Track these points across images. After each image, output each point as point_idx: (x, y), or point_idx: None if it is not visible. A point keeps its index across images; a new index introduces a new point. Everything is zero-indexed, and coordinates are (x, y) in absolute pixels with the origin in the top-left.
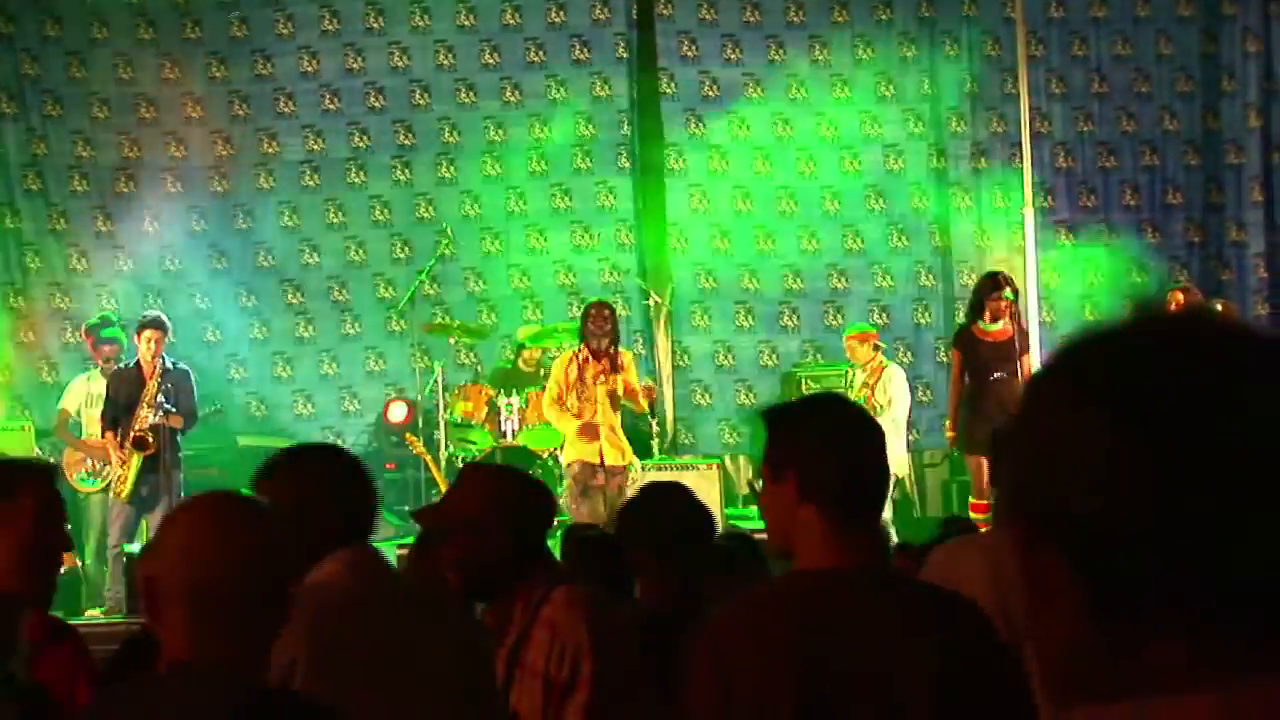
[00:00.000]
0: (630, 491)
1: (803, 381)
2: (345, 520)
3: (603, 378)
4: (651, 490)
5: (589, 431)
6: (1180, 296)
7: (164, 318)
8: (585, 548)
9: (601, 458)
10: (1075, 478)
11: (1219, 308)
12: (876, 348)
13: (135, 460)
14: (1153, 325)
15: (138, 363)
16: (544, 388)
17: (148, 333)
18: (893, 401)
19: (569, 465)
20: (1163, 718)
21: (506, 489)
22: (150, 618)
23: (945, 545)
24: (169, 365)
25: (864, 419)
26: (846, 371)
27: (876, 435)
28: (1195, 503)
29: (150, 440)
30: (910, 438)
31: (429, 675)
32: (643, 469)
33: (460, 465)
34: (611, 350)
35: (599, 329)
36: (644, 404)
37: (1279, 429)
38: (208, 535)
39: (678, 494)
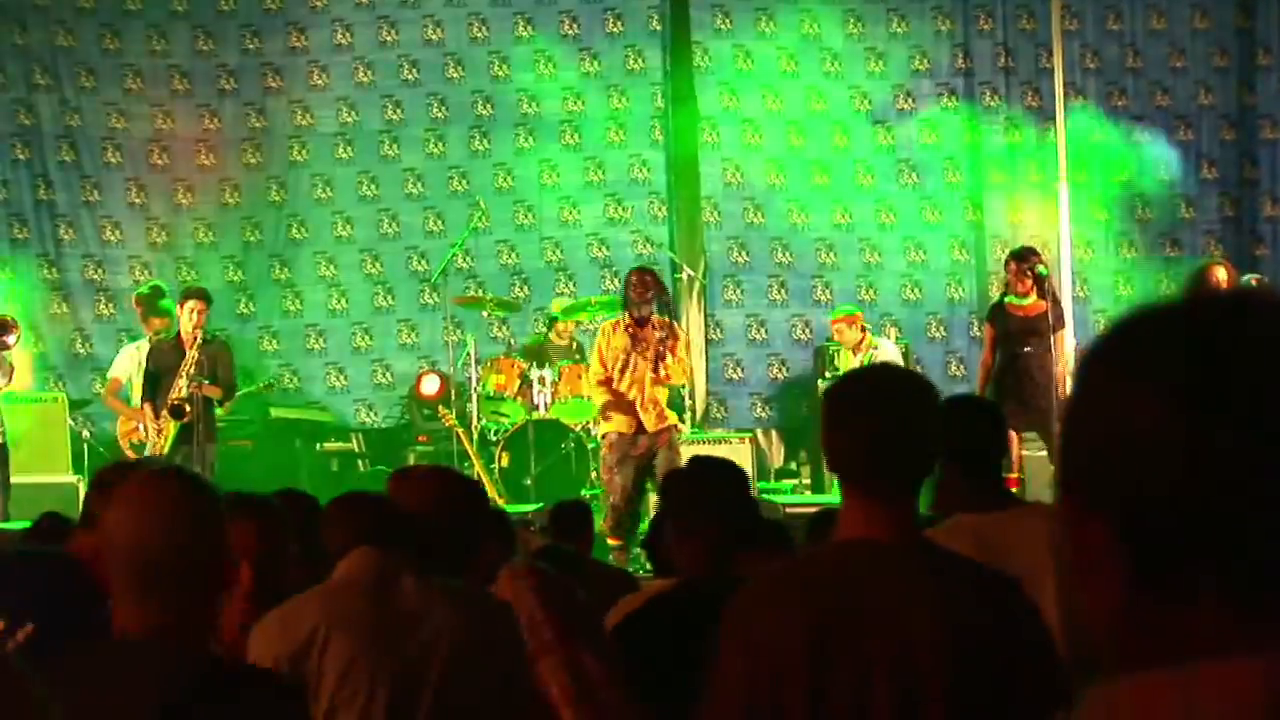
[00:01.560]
0: (681, 452)
1: (835, 354)
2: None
3: (653, 346)
4: (700, 463)
5: (625, 402)
6: (1220, 272)
7: (205, 290)
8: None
9: (639, 425)
10: (1129, 455)
11: (1253, 282)
12: (863, 329)
13: (171, 429)
14: (1205, 305)
15: (178, 334)
16: (575, 361)
17: (190, 303)
18: None
19: (604, 437)
20: (1210, 681)
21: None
22: (105, 586)
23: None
24: (208, 337)
25: (886, 391)
26: (834, 353)
27: (900, 407)
28: (1244, 477)
29: (186, 409)
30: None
31: (431, 651)
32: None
33: (492, 437)
34: (659, 321)
35: (641, 296)
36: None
37: None
38: (149, 510)
39: (726, 469)
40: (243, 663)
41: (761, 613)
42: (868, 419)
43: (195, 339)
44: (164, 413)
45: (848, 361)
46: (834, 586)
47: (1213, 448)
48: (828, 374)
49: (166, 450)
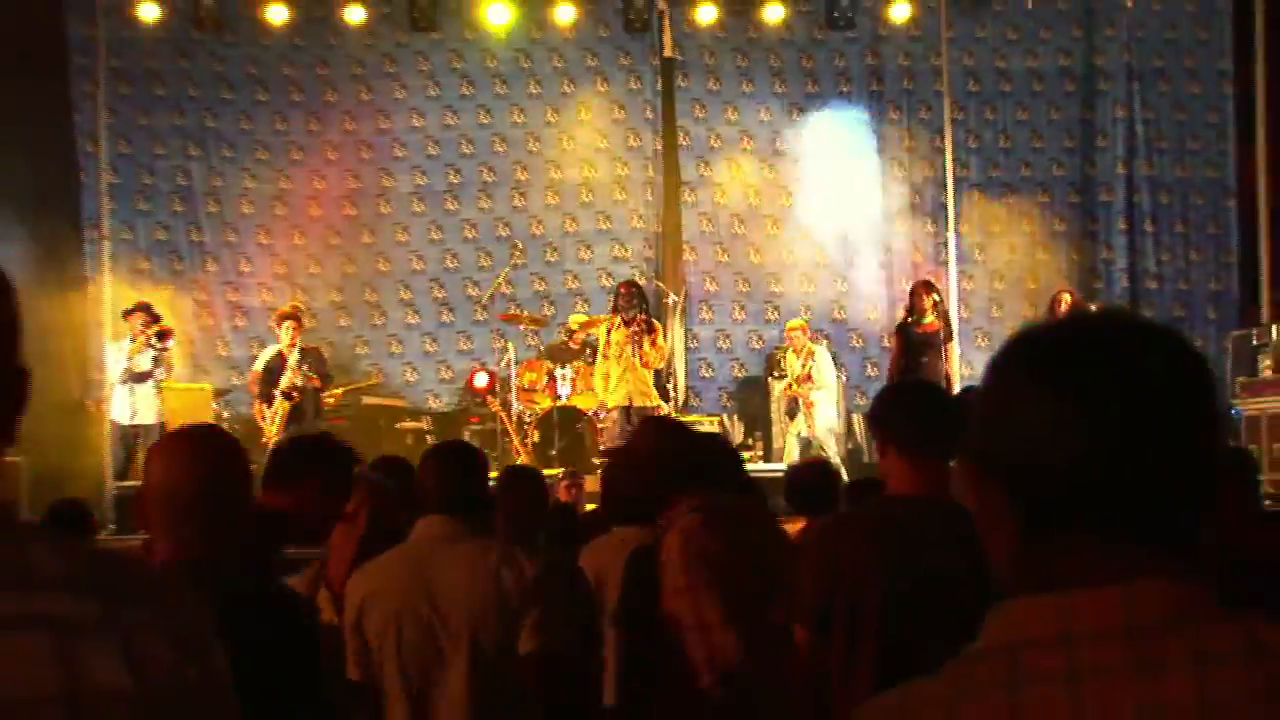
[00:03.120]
0: None
1: (780, 360)
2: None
3: (636, 336)
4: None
5: (622, 384)
6: (1067, 297)
7: (298, 309)
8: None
9: (630, 402)
10: (1016, 434)
11: (1093, 308)
12: (808, 337)
13: (283, 409)
14: (1072, 325)
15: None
16: (587, 363)
17: (288, 321)
18: (825, 377)
19: (610, 412)
20: (1081, 603)
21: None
22: (143, 525)
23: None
24: (304, 345)
25: (932, 392)
26: (781, 355)
27: (944, 403)
28: (1099, 451)
29: (295, 394)
30: (858, 403)
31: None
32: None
33: (526, 419)
34: (640, 318)
35: (627, 302)
36: (654, 365)
37: (1168, 398)
38: (178, 457)
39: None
40: (266, 587)
41: (841, 543)
42: (911, 406)
43: (295, 343)
44: (278, 397)
45: (792, 360)
46: (893, 528)
47: (1073, 428)
48: (775, 374)
49: (276, 426)
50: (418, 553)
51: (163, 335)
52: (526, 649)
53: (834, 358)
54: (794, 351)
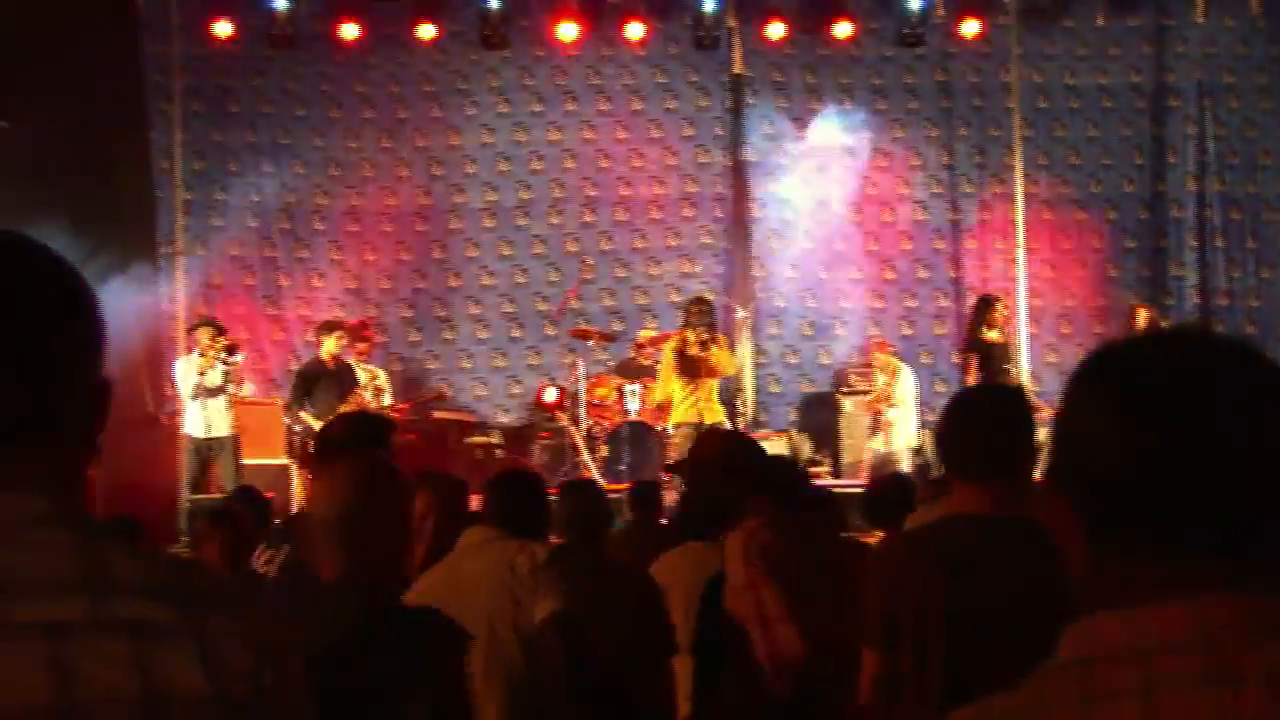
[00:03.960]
0: None
1: (848, 377)
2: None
3: (700, 349)
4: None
5: (693, 399)
6: (1144, 312)
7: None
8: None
9: (701, 418)
10: (1083, 452)
11: (1162, 324)
12: (891, 354)
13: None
14: (1141, 344)
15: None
16: (655, 377)
17: (338, 333)
18: (906, 393)
19: (677, 427)
20: (1150, 619)
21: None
22: (305, 548)
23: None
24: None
25: (1000, 409)
26: (854, 371)
27: (1012, 420)
28: (1165, 469)
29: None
30: (927, 419)
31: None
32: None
33: (595, 434)
34: (706, 335)
35: (697, 319)
36: (726, 372)
37: (1231, 419)
38: (342, 483)
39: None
40: (415, 606)
41: (908, 562)
42: (976, 424)
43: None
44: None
45: (876, 377)
46: (957, 546)
47: (1141, 444)
48: (844, 390)
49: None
50: (454, 555)
51: (231, 350)
52: (542, 615)
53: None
54: (878, 369)
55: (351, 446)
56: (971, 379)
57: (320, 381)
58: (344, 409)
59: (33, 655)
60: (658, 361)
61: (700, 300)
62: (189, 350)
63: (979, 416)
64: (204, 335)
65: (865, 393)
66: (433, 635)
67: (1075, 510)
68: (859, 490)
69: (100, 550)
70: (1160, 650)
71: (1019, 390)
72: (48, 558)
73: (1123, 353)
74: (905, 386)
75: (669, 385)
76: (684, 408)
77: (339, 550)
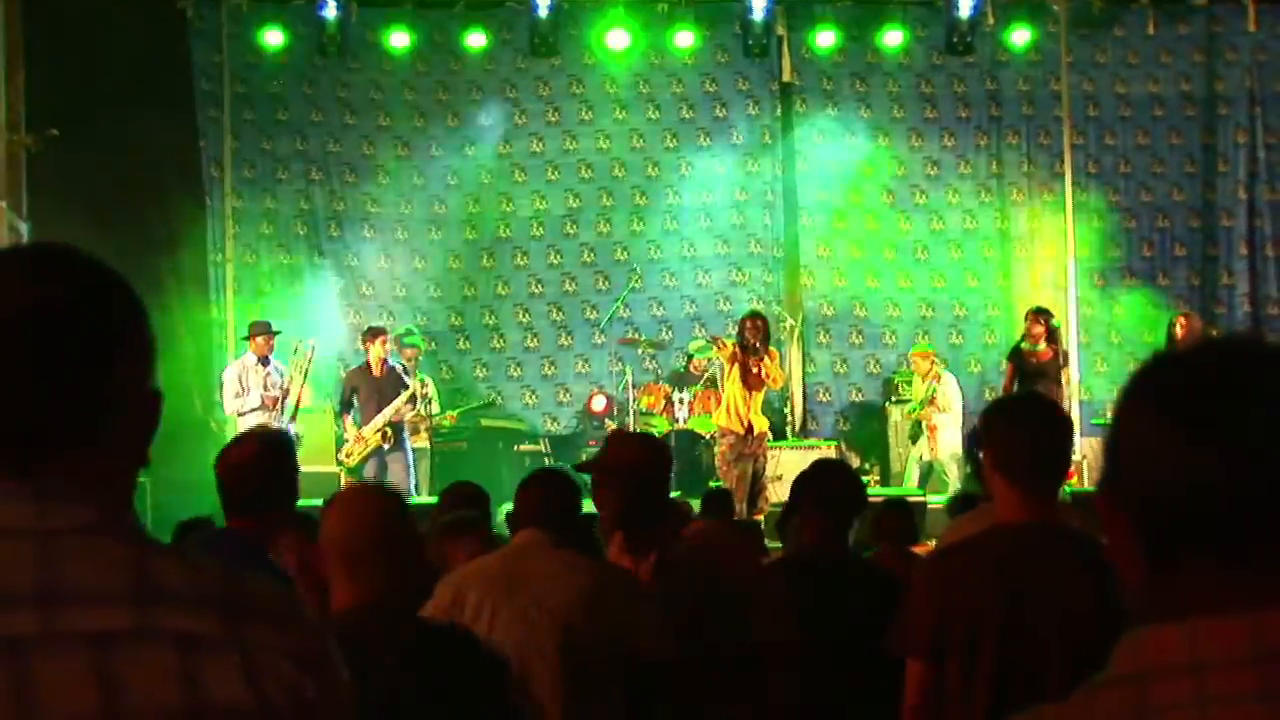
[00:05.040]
0: (770, 457)
1: (898, 386)
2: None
3: (757, 365)
4: (823, 463)
5: (741, 407)
6: (1183, 320)
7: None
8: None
9: (750, 426)
10: (1140, 467)
11: (1213, 333)
12: (933, 362)
13: (375, 441)
14: (1199, 356)
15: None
16: (705, 387)
17: (384, 337)
18: (950, 402)
19: (724, 435)
20: (1207, 633)
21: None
22: (325, 573)
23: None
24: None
25: (1046, 413)
26: (901, 380)
27: (1057, 424)
28: (1224, 485)
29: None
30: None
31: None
32: (778, 446)
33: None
34: (759, 347)
35: (754, 336)
36: (777, 386)
37: None
38: (353, 510)
39: (842, 468)
40: (445, 626)
41: (956, 573)
42: (1031, 432)
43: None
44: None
45: (916, 385)
46: (1010, 556)
47: (1197, 457)
48: (893, 399)
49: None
50: (513, 554)
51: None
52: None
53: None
54: (919, 376)
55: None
56: (1009, 391)
57: (361, 390)
58: (382, 417)
59: (79, 665)
60: (709, 374)
61: (755, 315)
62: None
63: (1030, 422)
64: (260, 342)
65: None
66: (474, 658)
67: (1133, 526)
68: (909, 499)
69: (147, 560)
70: (1216, 666)
71: (1054, 401)
72: (95, 567)
73: (1178, 368)
74: (949, 393)
75: (732, 390)
76: (733, 415)
77: (355, 577)
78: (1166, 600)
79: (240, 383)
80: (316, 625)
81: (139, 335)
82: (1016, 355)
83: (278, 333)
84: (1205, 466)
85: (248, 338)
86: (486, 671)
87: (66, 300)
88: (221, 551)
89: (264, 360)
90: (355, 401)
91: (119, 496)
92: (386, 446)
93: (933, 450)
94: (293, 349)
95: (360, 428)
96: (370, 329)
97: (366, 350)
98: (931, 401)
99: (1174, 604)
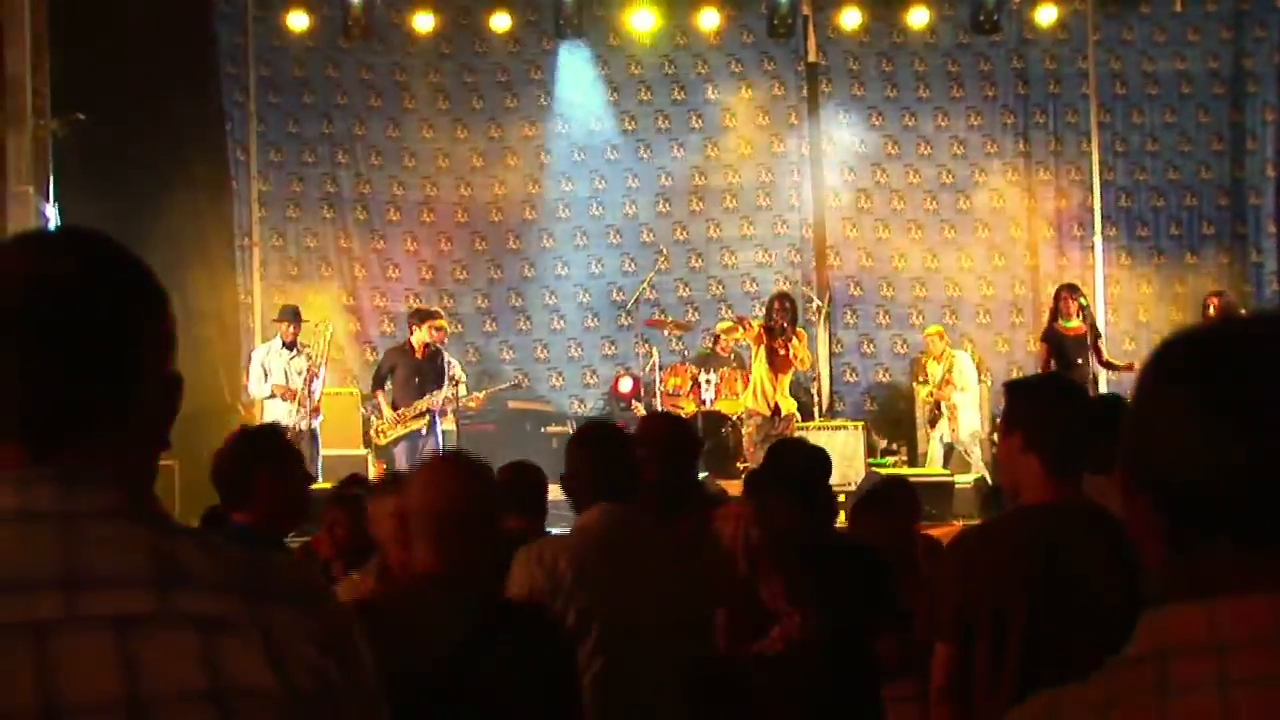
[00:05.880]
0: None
1: (925, 365)
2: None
3: (784, 345)
4: (788, 443)
5: (772, 389)
6: (1215, 300)
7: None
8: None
9: (777, 408)
10: (1160, 447)
11: (1243, 312)
12: (947, 343)
13: (416, 424)
14: (1219, 333)
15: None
16: (731, 367)
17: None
18: (967, 381)
19: (750, 415)
20: (1229, 611)
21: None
22: (402, 542)
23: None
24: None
25: (1075, 394)
26: (925, 363)
27: (1082, 405)
28: (1245, 465)
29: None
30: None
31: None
32: (805, 425)
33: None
34: (787, 328)
35: (780, 316)
36: (804, 367)
37: None
38: (443, 480)
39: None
40: (520, 600)
41: (981, 555)
42: (1065, 412)
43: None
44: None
45: (932, 366)
46: (1039, 537)
47: (1219, 436)
48: (920, 379)
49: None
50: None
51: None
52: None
53: (979, 362)
54: (933, 358)
55: None
56: (1045, 369)
57: (400, 369)
58: (425, 402)
59: (102, 648)
60: (736, 354)
61: (783, 295)
62: (270, 340)
63: (1056, 402)
64: (287, 327)
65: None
66: (545, 630)
67: (1155, 506)
68: (936, 480)
69: (169, 543)
70: (1239, 645)
71: (1084, 386)
72: (117, 551)
73: (1201, 347)
74: (964, 371)
75: (759, 371)
76: (760, 397)
77: (442, 545)
78: (1187, 580)
79: (263, 367)
80: (340, 608)
81: (158, 318)
82: (1051, 335)
83: (304, 320)
84: (1224, 446)
85: (277, 320)
86: (556, 646)
87: (86, 282)
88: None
89: (289, 345)
90: (391, 380)
91: (140, 479)
92: (424, 431)
93: (954, 431)
94: (313, 332)
95: (396, 408)
96: (418, 311)
97: (411, 331)
98: (948, 381)
99: (1195, 584)
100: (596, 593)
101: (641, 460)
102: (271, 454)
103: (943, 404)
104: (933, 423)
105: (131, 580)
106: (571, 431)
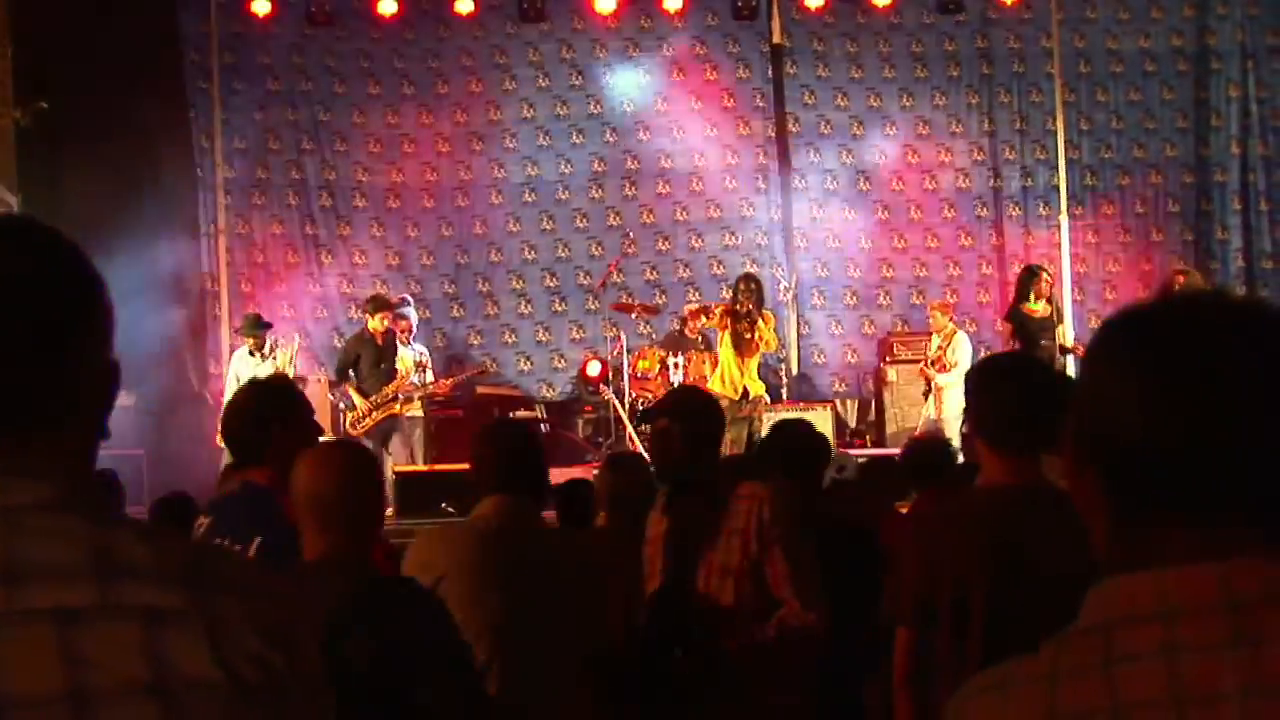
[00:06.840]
0: (765, 419)
1: (893, 346)
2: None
3: (748, 326)
4: (784, 423)
5: (738, 372)
6: (1181, 278)
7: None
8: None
9: (745, 391)
10: (1104, 420)
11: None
12: (951, 319)
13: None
14: (1160, 309)
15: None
16: (700, 350)
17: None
18: (960, 360)
19: (719, 399)
20: (1178, 580)
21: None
22: (297, 524)
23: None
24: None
25: (1023, 373)
26: (893, 343)
27: (1037, 385)
28: (1186, 435)
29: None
30: None
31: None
32: (774, 407)
33: (639, 408)
34: (753, 310)
35: (746, 297)
36: (771, 348)
37: (1259, 383)
38: (324, 467)
39: (805, 426)
40: (397, 578)
41: (943, 534)
42: (1006, 393)
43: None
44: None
45: (932, 341)
46: (996, 517)
47: (1163, 408)
48: (888, 359)
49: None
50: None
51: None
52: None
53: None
54: (935, 331)
55: None
56: (1008, 348)
57: (364, 357)
58: (390, 387)
59: (43, 642)
60: (705, 336)
61: (749, 277)
62: (237, 345)
63: (1009, 384)
64: (247, 336)
65: (911, 362)
66: (430, 607)
67: (1100, 478)
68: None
69: (110, 535)
70: (1184, 613)
71: (1048, 363)
72: (57, 543)
73: (1142, 321)
74: (961, 351)
75: (725, 355)
76: (728, 380)
77: (326, 529)
78: (1134, 552)
79: (236, 376)
80: (287, 598)
81: (96, 307)
82: (1016, 314)
83: (268, 325)
84: (1162, 416)
85: (238, 331)
86: (435, 621)
87: (20, 269)
88: (234, 502)
89: (256, 351)
90: (356, 370)
91: (79, 470)
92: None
93: (938, 409)
94: (276, 344)
95: (366, 396)
96: (373, 298)
97: (366, 319)
98: (938, 359)
99: (1142, 555)
100: (482, 582)
101: (670, 434)
102: (286, 405)
103: (930, 383)
104: (926, 396)
105: (72, 572)
106: (541, 416)
